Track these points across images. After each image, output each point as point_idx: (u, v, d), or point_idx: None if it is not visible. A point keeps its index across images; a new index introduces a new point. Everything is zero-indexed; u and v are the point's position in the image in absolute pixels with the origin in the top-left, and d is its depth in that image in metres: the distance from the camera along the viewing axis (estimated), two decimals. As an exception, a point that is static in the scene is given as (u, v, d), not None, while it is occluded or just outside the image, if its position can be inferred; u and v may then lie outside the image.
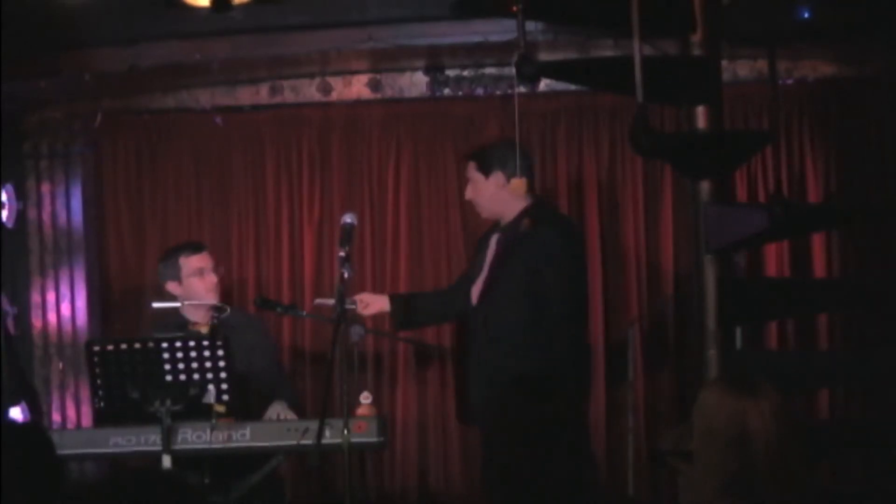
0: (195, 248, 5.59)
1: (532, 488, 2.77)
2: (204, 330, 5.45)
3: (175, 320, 5.50)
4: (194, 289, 5.47)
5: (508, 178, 5.19)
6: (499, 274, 5.13)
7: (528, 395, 2.93)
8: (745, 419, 2.95)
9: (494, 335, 5.08)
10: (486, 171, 5.23)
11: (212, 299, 5.47)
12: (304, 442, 4.87)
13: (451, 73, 6.28)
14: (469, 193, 5.34)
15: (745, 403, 2.97)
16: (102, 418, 5.01)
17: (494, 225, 5.37)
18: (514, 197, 5.18)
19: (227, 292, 6.34)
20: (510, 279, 5.08)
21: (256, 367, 5.41)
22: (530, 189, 5.24)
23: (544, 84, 6.14)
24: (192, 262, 5.49)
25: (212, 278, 5.49)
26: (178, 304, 5.45)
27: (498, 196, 5.21)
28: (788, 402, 3.03)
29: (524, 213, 5.18)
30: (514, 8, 4.30)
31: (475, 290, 5.22)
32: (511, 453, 2.83)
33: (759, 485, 2.93)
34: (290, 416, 5.23)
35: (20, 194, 6.50)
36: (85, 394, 6.38)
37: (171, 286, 5.52)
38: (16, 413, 6.16)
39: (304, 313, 6.04)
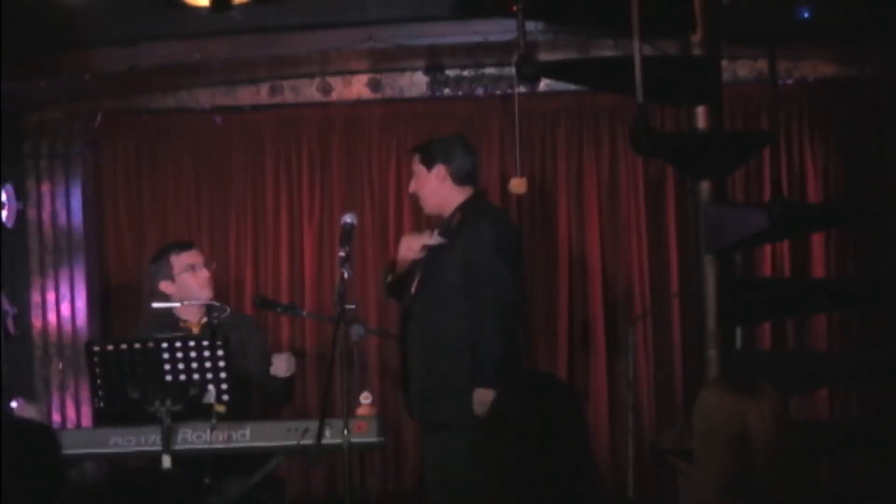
0: (185, 245, 5.60)
1: (529, 488, 2.78)
2: (195, 329, 5.45)
3: (167, 319, 5.49)
4: (188, 285, 5.47)
5: (451, 172, 5.20)
6: (432, 268, 5.13)
7: (519, 393, 2.94)
8: (745, 419, 2.96)
9: (426, 328, 5.08)
10: (428, 164, 5.22)
11: (206, 295, 5.48)
12: (304, 442, 4.87)
13: (451, 73, 6.28)
14: (412, 186, 5.32)
15: (746, 403, 2.97)
16: (102, 418, 5.01)
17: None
18: (456, 192, 5.18)
19: (225, 292, 6.35)
20: (442, 273, 5.08)
21: (250, 365, 5.42)
22: (474, 183, 5.25)
23: (544, 84, 6.14)
24: (182, 259, 5.50)
25: (204, 273, 5.50)
26: (177, 304, 5.45)
27: (438, 190, 5.21)
28: (787, 402, 3.04)
29: (459, 208, 5.18)
30: (514, 8, 4.30)
31: (413, 285, 5.22)
32: (502, 452, 2.83)
33: (760, 485, 2.93)
34: (293, 363, 5.28)
35: (20, 194, 6.50)
36: (85, 394, 6.38)
37: (164, 285, 5.51)
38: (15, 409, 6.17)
39: (304, 313, 6.04)
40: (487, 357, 4.90)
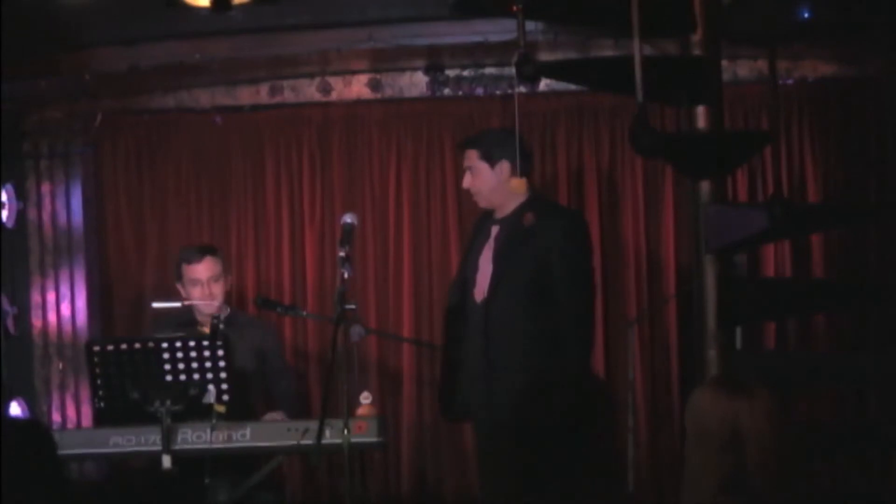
0: (196, 256, 5.52)
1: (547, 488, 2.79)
2: (207, 330, 5.44)
3: (183, 318, 5.50)
4: (192, 297, 5.46)
5: (513, 168, 5.19)
6: (504, 269, 5.11)
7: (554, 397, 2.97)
8: (737, 420, 2.96)
9: (501, 331, 5.07)
10: (491, 160, 5.19)
11: (209, 310, 5.45)
12: (304, 442, 4.87)
13: (451, 73, 6.28)
14: (468, 182, 5.26)
15: (738, 404, 2.98)
16: (102, 418, 5.01)
17: (486, 215, 5.34)
18: (512, 188, 5.19)
19: (227, 292, 6.35)
20: (517, 274, 5.06)
21: (264, 368, 5.43)
22: (530, 183, 5.26)
23: (544, 84, 6.13)
24: (190, 272, 5.49)
25: (208, 289, 5.46)
26: (177, 304, 5.46)
27: (501, 186, 5.20)
28: (788, 402, 3.04)
29: (525, 207, 5.17)
30: (514, 8, 4.30)
31: (478, 288, 5.19)
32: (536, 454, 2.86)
33: (754, 484, 2.93)
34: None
35: (20, 194, 6.50)
36: (85, 394, 6.38)
37: (179, 287, 5.55)
38: (15, 409, 6.18)
39: (305, 313, 6.05)
40: (575, 359, 4.97)
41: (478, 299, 5.18)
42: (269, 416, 5.30)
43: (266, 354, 5.50)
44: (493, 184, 5.20)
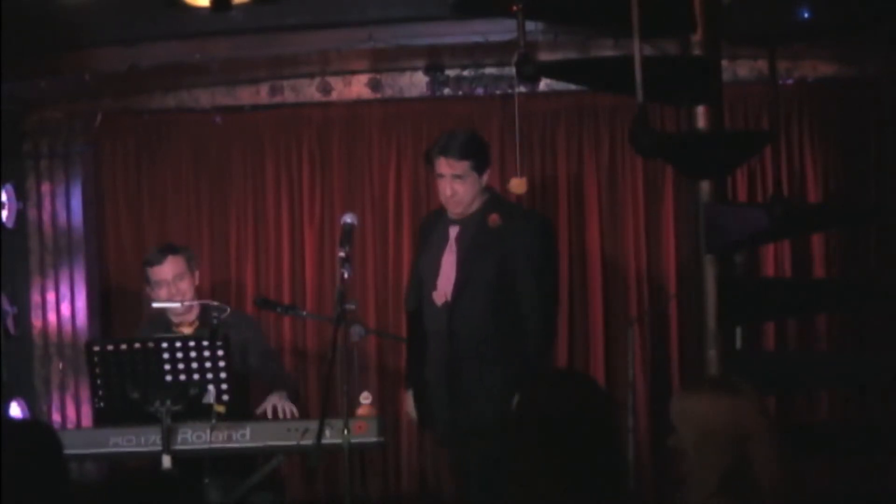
0: (158, 258, 5.48)
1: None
2: (187, 331, 5.44)
3: (161, 321, 5.50)
4: (160, 298, 5.43)
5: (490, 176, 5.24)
6: (470, 273, 5.06)
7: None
8: (740, 417, 3.01)
9: (465, 335, 5.03)
10: (481, 171, 5.16)
11: (181, 307, 5.42)
12: (304, 442, 4.87)
13: (451, 73, 6.28)
14: (453, 189, 5.09)
15: (738, 402, 3.04)
16: (102, 418, 5.01)
17: (437, 216, 5.28)
18: (482, 191, 5.16)
19: (226, 292, 6.36)
20: (482, 278, 5.01)
21: (252, 364, 5.42)
22: (489, 184, 5.27)
23: (544, 84, 6.13)
24: (154, 274, 5.46)
25: (175, 288, 5.42)
26: (177, 305, 5.45)
27: (479, 194, 5.16)
28: (788, 402, 3.07)
29: (486, 208, 5.13)
30: (514, 8, 4.30)
31: (439, 291, 5.11)
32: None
33: (757, 477, 2.96)
34: (288, 405, 5.21)
35: (20, 194, 6.51)
36: (85, 394, 6.38)
37: (148, 291, 5.53)
38: (15, 409, 6.18)
39: (305, 313, 6.05)
40: (538, 359, 4.96)
41: (439, 303, 5.10)
42: (270, 399, 5.22)
43: (247, 344, 5.45)
44: (476, 192, 5.14)
